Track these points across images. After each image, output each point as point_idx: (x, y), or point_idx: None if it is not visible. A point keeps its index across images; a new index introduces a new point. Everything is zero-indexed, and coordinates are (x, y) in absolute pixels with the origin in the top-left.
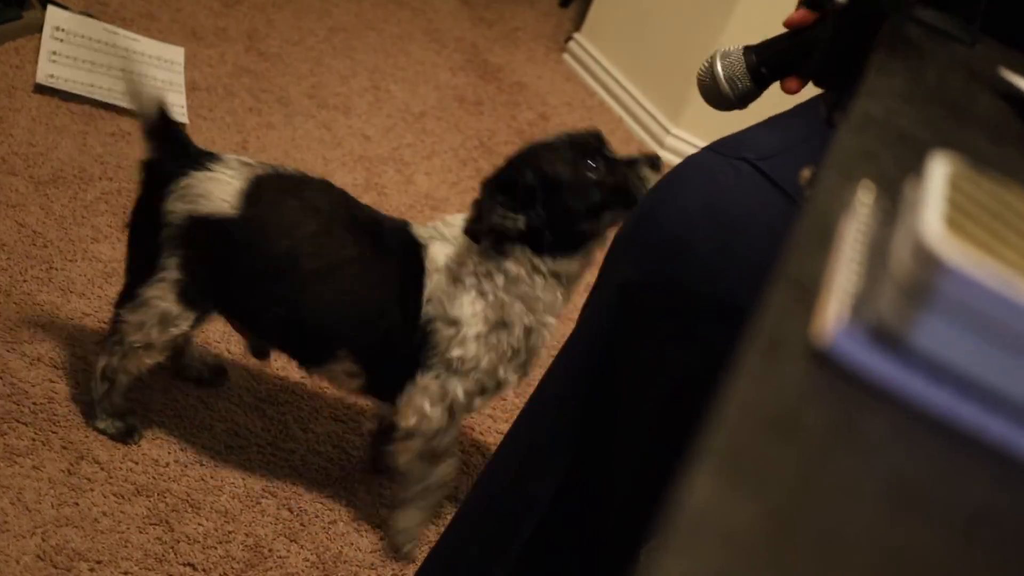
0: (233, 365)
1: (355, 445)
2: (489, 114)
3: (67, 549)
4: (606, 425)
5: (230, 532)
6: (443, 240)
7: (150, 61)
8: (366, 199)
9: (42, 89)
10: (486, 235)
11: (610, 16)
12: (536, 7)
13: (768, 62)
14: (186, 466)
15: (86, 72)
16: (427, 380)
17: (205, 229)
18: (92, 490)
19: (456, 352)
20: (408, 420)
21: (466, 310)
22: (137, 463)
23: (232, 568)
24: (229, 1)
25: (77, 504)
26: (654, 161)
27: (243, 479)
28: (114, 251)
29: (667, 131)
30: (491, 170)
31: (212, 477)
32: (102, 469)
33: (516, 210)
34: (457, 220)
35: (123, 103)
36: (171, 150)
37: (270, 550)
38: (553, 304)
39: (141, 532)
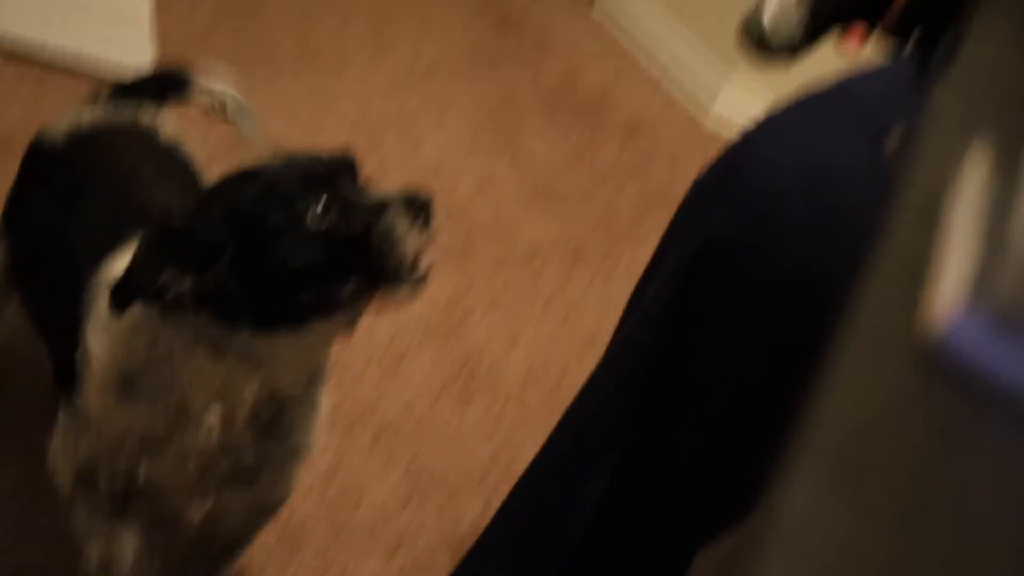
0: None
1: (356, 455)
2: (507, 72)
3: None
4: (671, 408)
5: None
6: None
7: (110, 10)
8: (365, 170)
9: None
10: (138, 300)
11: None
12: None
13: (828, 6)
14: None
15: (37, 23)
16: (60, 415)
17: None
18: None
19: (81, 400)
20: None
21: (98, 349)
22: None
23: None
24: None
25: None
26: (418, 206)
27: None
28: None
29: (715, 95)
30: (507, 137)
31: None
32: None
33: (188, 267)
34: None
35: (80, 58)
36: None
37: (260, 573)
38: (229, 397)
39: None
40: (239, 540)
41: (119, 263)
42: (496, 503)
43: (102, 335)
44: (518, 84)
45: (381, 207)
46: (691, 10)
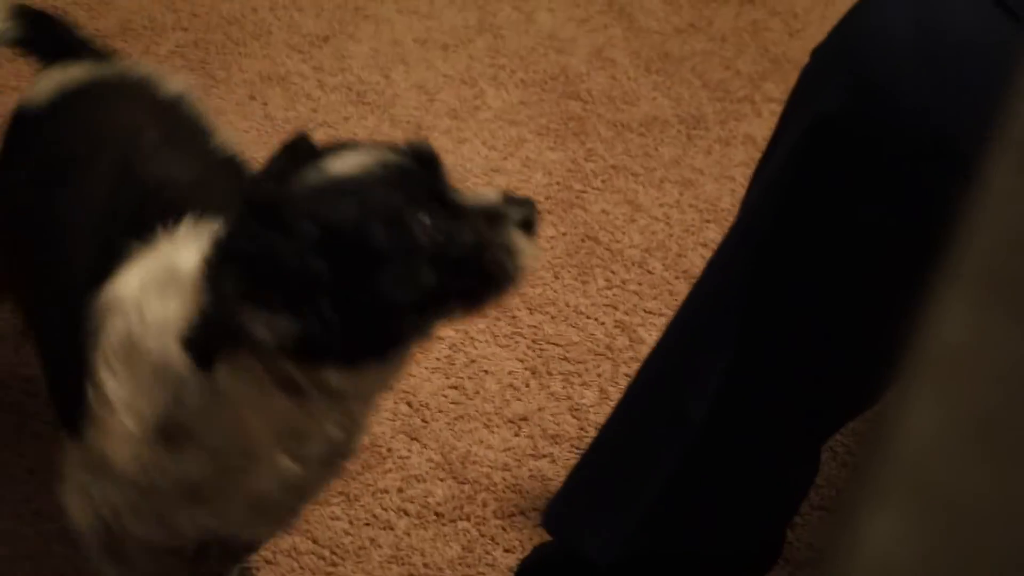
0: None
1: (479, 330)
2: None
3: None
4: (793, 292)
5: None
6: (155, 265)
7: None
8: (479, 44)
9: None
10: (217, 351)
11: None
12: None
13: None
14: None
15: None
16: (68, 455)
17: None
18: None
19: (98, 444)
20: None
21: (119, 390)
22: None
23: (348, 468)
24: None
25: None
26: (528, 216)
27: None
28: None
29: None
30: (622, 2)
31: None
32: None
33: (279, 307)
34: (183, 254)
35: None
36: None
37: (388, 449)
38: (303, 435)
39: None
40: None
41: (131, 275)
42: (622, 370)
43: (123, 375)
44: None
45: (493, 215)
46: None
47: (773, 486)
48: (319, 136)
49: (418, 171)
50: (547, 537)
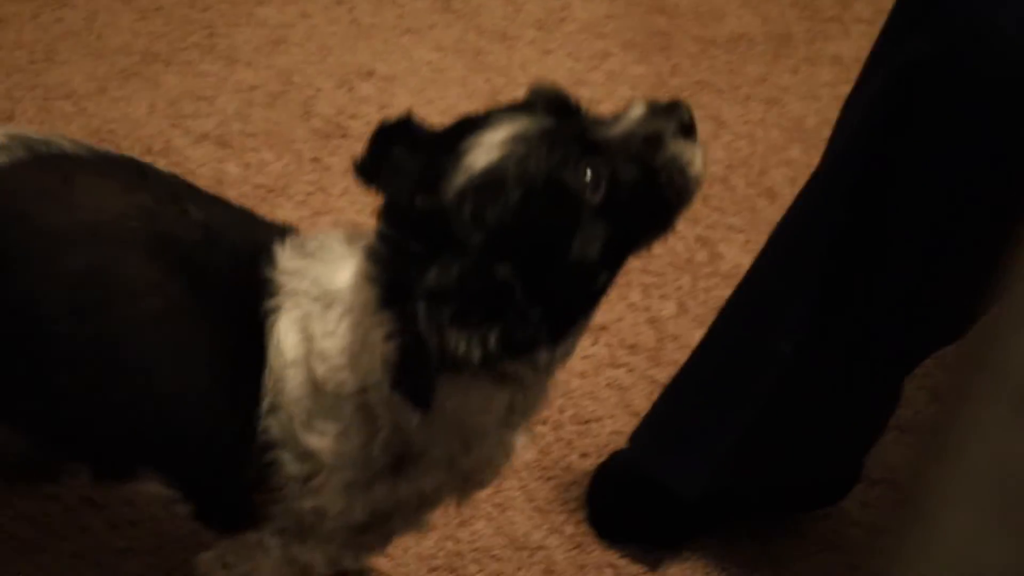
0: None
1: None
2: None
3: None
4: (871, 247)
5: None
6: (303, 307)
7: None
8: None
9: None
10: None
11: None
12: None
13: None
14: None
15: None
16: (264, 539)
17: None
18: None
19: (308, 504)
20: None
21: (329, 443)
22: None
23: None
24: None
25: None
26: (683, 120)
27: None
28: (282, 15)
29: None
30: None
31: None
32: None
33: (480, 322)
34: (332, 272)
35: None
36: None
37: None
38: (530, 408)
39: None
40: None
41: (285, 334)
42: (701, 284)
43: (329, 426)
44: None
45: (655, 139)
46: None
47: (859, 417)
48: (405, 42)
49: (557, 126)
50: (622, 444)
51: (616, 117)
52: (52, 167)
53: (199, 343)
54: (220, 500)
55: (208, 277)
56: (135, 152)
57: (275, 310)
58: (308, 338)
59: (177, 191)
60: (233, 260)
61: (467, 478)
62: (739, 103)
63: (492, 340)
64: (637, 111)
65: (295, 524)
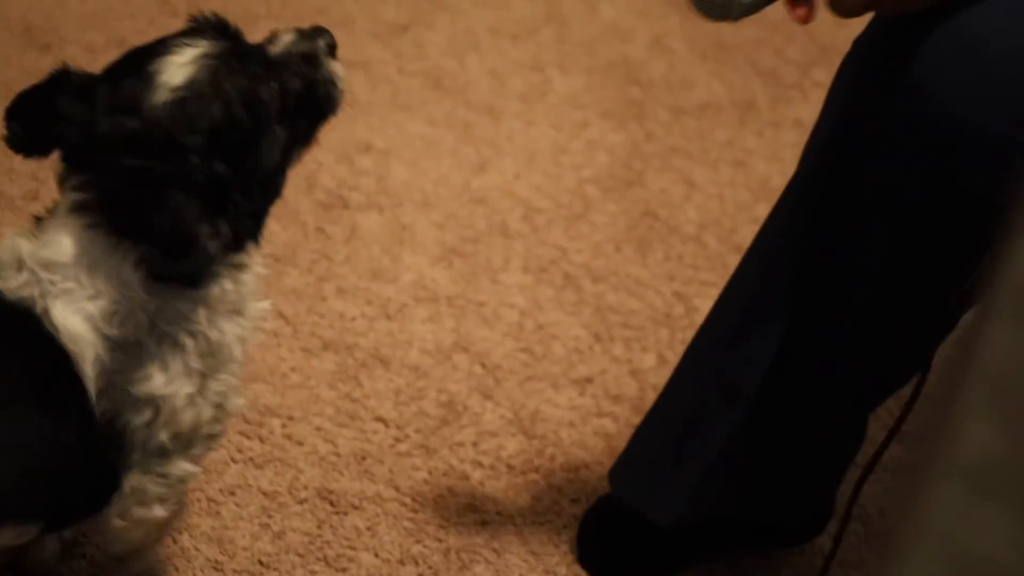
0: (419, 207)
1: (547, 298)
2: None
3: (258, 405)
4: (829, 269)
5: (421, 388)
6: (61, 292)
7: None
8: (546, 33)
9: None
10: (196, 258)
11: None
12: None
13: None
14: (373, 320)
15: None
16: (137, 481)
17: None
18: (279, 345)
19: (164, 436)
20: (127, 539)
21: (159, 380)
22: (323, 317)
23: (426, 425)
24: None
25: (264, 359)
26: (330, 41)
27: (432, 334)
28: None
29: None
30: (678, 2)
31: (400, 332)
32: (288, 324)
33: (209, 214)
34: (54, 250)
35: None
36: None
37: (464, 407)
38: (259, 281)
39: (330, 387)
40: None
41: (58, 310)
42: (679, 336)
43: (152, 367)
44: None
45: (310, 56)
46: None
47: (823, 454)
48: (399, 117)
49: (233, 47)
50: (609, 489)
51: (271, 40)
52: None
53: (6, 390)
54: (83, 504)
55: None
56: None
57: (43, 313)
58: (82, 311)
59: None
60: None
61: (246, 344)
62: (709, 166)
63: (225, 229)
64: (288, 36)
65: (158, 456)
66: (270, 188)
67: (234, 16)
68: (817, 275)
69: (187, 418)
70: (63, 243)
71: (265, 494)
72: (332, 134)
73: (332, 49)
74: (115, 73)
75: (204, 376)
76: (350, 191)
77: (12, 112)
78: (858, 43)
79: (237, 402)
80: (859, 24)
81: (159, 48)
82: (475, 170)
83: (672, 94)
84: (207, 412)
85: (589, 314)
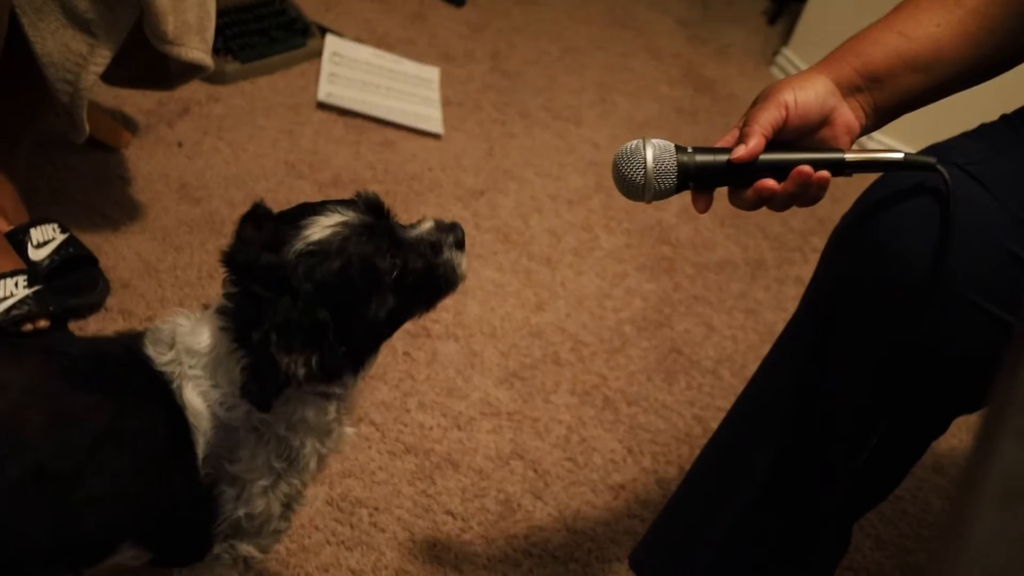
0: (488, 338)
1: (589, 417)
2: (704, 123)
3: (350, 497)
4: (819, 406)
5: (484, 488)
6: (192, 376)
7: (410, 80)
8: (595, 201)
9: (322, 106)
10: (275, 395)
11: (816, 31)
12: (746, 24)
13: (699, 174)
14: (447, 430)
15: (358, 90)
16: (217, 550)
17: None
18: (369, 447)
19: (242, 512)
20: None
21: (245, 464)
22: (406, 425)
23: (487, 518)
24: (476, 27)
25: (357, 459)
26: (459, 237)
27: (495, 443)
28: None
29: (870, 138)
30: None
31: (468, 440)
32: (377, 430)
33: (301, 348)
34: (196, 340)
35: (389, 117)
36: None
37: (518, 504)
38: (350, 409)
39: (410, 484)
40: None
41: (188, 391)
42: (697, 452)
43: (243, 451)
44: (712, 132)
45: (436, 245)
46: None
47: (816, 555)
48: (475, 264)
49: (372, 221)
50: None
51: (413, 225)
52: None
53: (144, 430)
54: (183, 541)
55: (120, 380)
56: None
57: (178, 388)
58: (204, 394)
59: (47, 343)
60: (122, 359)
61: (324, 460)
62: (725, 312)
63: (314, 363)
64: (427, 224)
65: (235, 531)
66: (371, 337)
67: (345, 178)
68: (805, 406)
69: (260, 505)
70: (203, 336)
71: (352, 572)
72: None
73: (460, 243)
74: (284, 217)
75: (279, 476)
76: (432, 323)
77: (237, 234)
78: (848, 217)
79: (302, 506)
80: (848, 200)
81: (319, 208)
82: (534, 309)
83: (696, 253)
84: (276, 507)
85: (623, 431)
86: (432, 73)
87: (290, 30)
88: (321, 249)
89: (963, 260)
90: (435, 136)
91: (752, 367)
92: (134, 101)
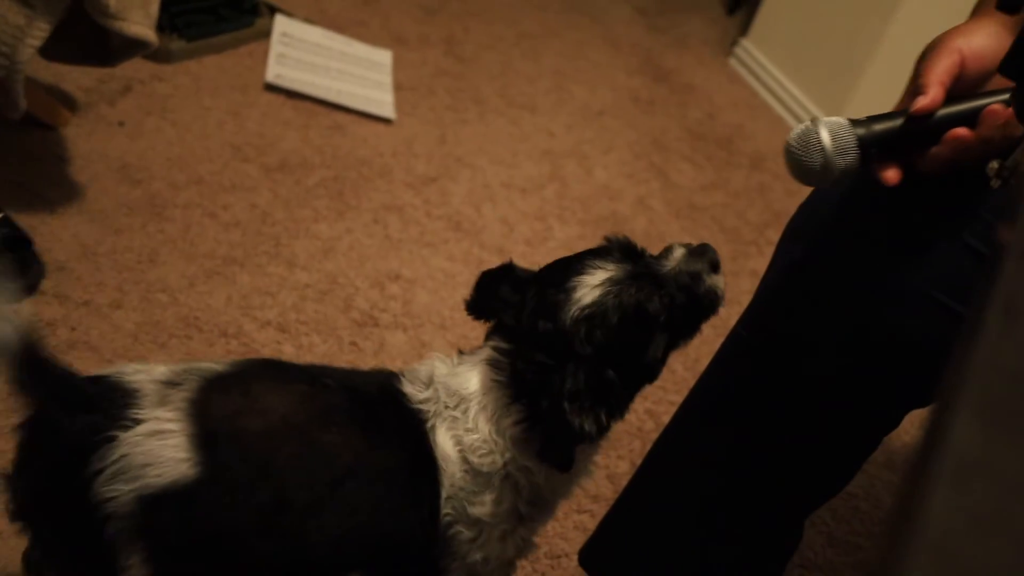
0: (438, 328)
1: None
2: (661, 113)
3: None
4: (772, 400)
5: None
6: (449, 417)
7: (362, 63)
8: (549, 190)
9: (271, 87)
10: (573, 454)
11: (775, 22)
12: (704, 15)
13: (881, 142)
14: None
15: (308, 72)
16: None
17: (168, 508)
18: None
19: (478, 556)
20: None
21: (489, 509)
22: None
23: None
24: (430, 10)
25: None
26: (713, 259)
27: None
28: (331, 230)
29: None
30: (660, 164)
31: None
32: None
33: (590, 408)
34: (461, 383)
35: (339, 100)
36: (61, 399)
37: None
38: (595, 455)
39: None
40: None
41: (441, 432)
42: (649, 447)
43: (488, 496)
44: (669, 122)
45: (695, 275)
46: (806, 64)
47: (764, 552)
48: (425, 253)
49: (633, 269)
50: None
51: (664, 255)
52: (226, 387)
53: (387, 466)
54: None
55: (372, 415)
56: (213, 334)
57: (431, 428)
58: (457, 438)
59: (312, 372)
60: (377, 395)
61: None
62: None
63: (604, 418)
64: (679, 252)
65: (467, 573)
66: (647, 377)
67: (293, 163)
68: (758, 400)
69: (496, 549)
70: (471, 381)
71: None
72: (367, 264)
73: (716, 266)
74: (544, 279)
75: (522, 520)
76: (380, 312)
77: (478, 285)
78: (801, 207)
79: (533, 548)
80: (804, 192)
81: (577, 267)
82: None
83: (651, 244)
84: (511, 551)
85: None
86: (384, 56)
87: (238, 8)
88: (596, 312)
89: (926, 256)
90: (386, 121)
91: (705, 361)
92: (73, 78)
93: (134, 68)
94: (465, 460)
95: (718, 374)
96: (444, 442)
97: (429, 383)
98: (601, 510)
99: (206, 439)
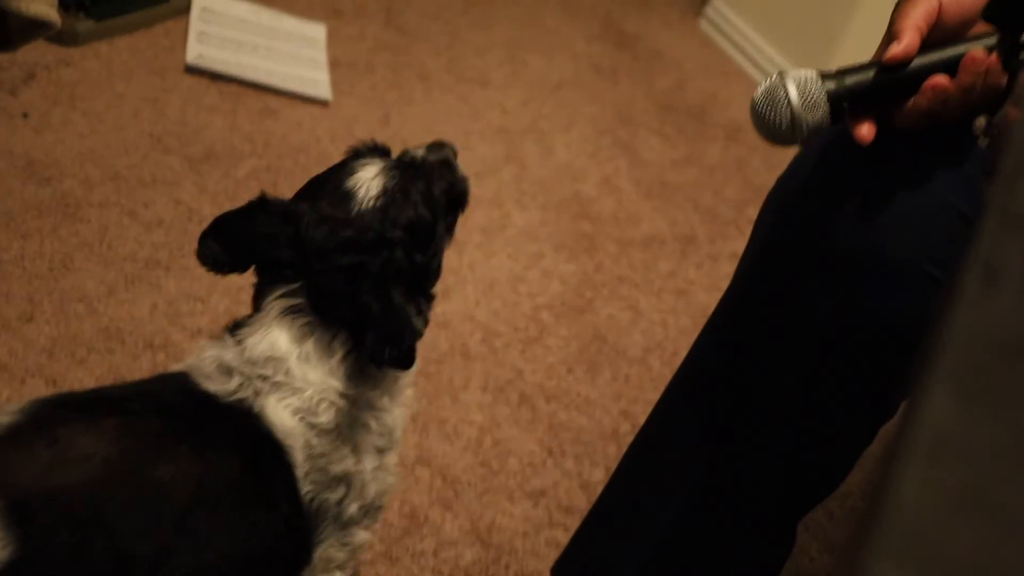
0: None
1: (504, 416)
2: (626, 83)
3: None
4: (756, 392)
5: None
6: (272, 387)
7: (293, 39)
8: (506, 172)
9: (192, 69)
10: (414, 348)
11: None
12: None
13: (854, 95)
14: None
15: (233, 52)
16: (325, 552)
17: None
18: None
19: (354, 507)
20: None
21: (352, 459)
22: None
23: (389, 534)
24: None
25: None
26: (454, 149)
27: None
28: None
29: None
30: (627, 139)
31: None
32: None
33: (413, 296)
34: (272, 342)
35: (269, 81)
36: None
37: (425, 517)
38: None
39: None
40: None
41: (271, 407)
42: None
43: (345, 449)
44: (635, 93)
45: (446, 162)
46: (783, 24)
47: (754, 560)
48: None
49: (398, 161)
50: None
51: (408, 151)
52: (26, 440)
53: (234, 485)
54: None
55: (196, 440)
56: (138, 347)
57: (259, 413)
58: (292, 406)
59: (110, 400)
60: (196, 418)
61: (405, 420)
62: (653, 295)
63: (425, 308)
64: (421, 150)
65: (343, 528)
66: (438, 272)
67: (220, 152)
68: (738, 388)
69: (372, 490)
70: (278, 340)
71: None
72: None
73: (455, 155)
74: (306, 197)
75: (382, 452)
76: None
77: (209, 233)
78: (780, 179)
79: (393, 481)
80: (785, 165)
81: (343, 172)
82: (439, 297)
83: (620, 229)
84: (388, 480)
85: (543, 431)
86: (318, 31)
87: None
88: (389, 198)
89: (913, 224)
90: (322, 103)
91: (683, 355)
92: None
93: (37, 52)
94: (310, 425)
95: (698, 366)
96: (279, 417)
97: (228, 372)
98: (575, 524)
99: (15, 510)
